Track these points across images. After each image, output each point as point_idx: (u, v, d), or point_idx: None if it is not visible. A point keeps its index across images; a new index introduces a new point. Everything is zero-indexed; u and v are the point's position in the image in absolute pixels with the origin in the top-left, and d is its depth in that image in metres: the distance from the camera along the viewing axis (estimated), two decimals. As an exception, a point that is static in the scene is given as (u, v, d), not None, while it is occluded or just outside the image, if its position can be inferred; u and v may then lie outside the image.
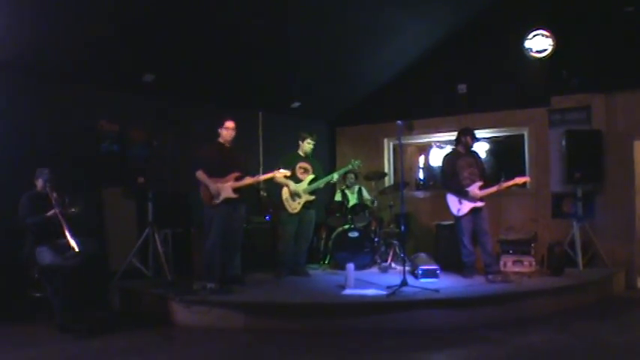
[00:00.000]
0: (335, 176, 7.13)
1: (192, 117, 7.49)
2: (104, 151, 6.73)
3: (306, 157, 7.12)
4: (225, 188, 6.11)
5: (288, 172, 6.55)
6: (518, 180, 6.59)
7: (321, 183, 7.05)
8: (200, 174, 6.16)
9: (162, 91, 7.18)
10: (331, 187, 8.86)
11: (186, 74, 7.11)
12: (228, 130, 6.29)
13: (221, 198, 6.09)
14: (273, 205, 7.23)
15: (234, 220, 6.21)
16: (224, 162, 6.22)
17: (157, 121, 7.08)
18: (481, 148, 9.11)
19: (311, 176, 7.06)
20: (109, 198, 6.86)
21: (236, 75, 7.49)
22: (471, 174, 6.76)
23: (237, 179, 6.19)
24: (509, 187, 6.65)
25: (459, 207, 6.74)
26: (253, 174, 6.46)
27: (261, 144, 8.65)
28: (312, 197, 7.04)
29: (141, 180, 6.57)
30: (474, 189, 6.66)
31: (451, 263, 7.08)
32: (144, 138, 6.73)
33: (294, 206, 6.94)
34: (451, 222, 7.22)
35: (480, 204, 6.65)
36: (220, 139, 6.32)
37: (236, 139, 6.37)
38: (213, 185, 6.09)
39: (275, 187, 7.05)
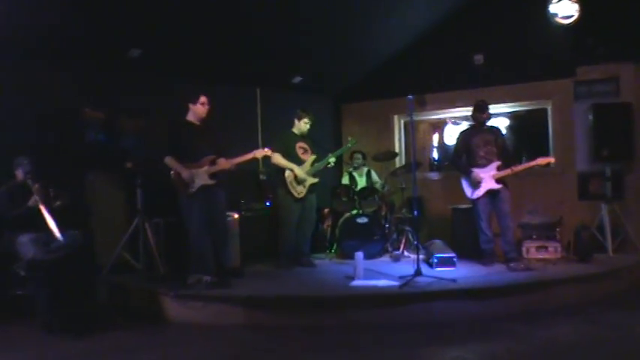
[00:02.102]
0: (332, 159, 7.11)
1: (183, 94, 7.42)
2: (90, 140, 6.65)
3: (303, 137, 7.10)
4: (200, 174, 5.95)
5: (268, 152, 6.43)
6: (541, 161, 6.49)
7: (320, 165, 7.06)
8: (169, 160, 5.96)
9: (151, 67, 7.12)
10: (336, 169, 8.83)
11: (176, 48, 7.02)
12: (204, 105, 6.09)
13: (196, 186, 5.92)
14: (274, 190, 7.18)
15: (215, 208, 6.06)
16: (196, 144, 6.01)
17: (145, 99, 7.02)
18: (500, 125, 9.03)
19: (313, 157, 7.05)
20: (94, 186, 6.83)
21: (232, 48, 7.41)
22: (487, 153, 6.71)
23: (212, 163, 6.01)
24: (529, 169, 6.58)
25: (473, 189, 6.71)
26: (230, 156, 6.15)
27: (260, 122, 8.62)
28: (316, 180, 7.03)
29: (129, 165, 6.53)
30: (481, 171, 6.64)
31: (469, 250, 7.07)
32: (132, 126, 6.69)
33: (300, 190, 6.91)
34: (468, 205, 7.18)
35: (496, 186, 6.59)
36: (190, 117, 6.11)
37: (214, 117, 6.22)
38: (186, 172, 5.89)
39: (275, 169, 7.00)
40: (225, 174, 6.15)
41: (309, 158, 7.03)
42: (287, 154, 6.90)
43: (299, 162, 6.94)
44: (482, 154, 6.72)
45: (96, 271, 6.35)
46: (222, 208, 6.22)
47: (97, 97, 6.72)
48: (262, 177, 8.10)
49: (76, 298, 5.25)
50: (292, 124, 7.14)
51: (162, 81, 7.30)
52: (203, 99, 6.10)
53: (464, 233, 7.37)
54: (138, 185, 6.64)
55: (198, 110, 6.08)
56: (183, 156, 5.97)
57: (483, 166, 6.67)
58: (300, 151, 7.01)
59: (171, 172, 5.98)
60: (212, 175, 6.00)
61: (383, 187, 8.27)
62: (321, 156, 7.12)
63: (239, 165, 6.14)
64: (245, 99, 8.43)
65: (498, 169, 6.61)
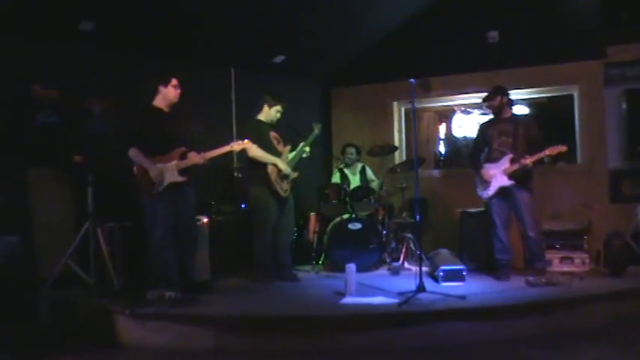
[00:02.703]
0: (307, 148, 7.21)
1: (144, 75, 7.38)
2: (38, 124, 6.60)
3: (272, 125, 7.15)
4: (170, 170, 5.92)
5: (248, 144, 6.46)
6: (550, 151, 6.45)
7: (296, 156, 7.16)
8: (134, 153, 5.91)
9: (106, 43, 7.08)
10: (323, 165, 8.81)
11: (134, 21, 6.98)
12: (176, 89, 6.08)
13: (165, 183, 5.90)
14: (248, 189, 7.15)
15: (183, 211, 6.05)
16: (165, 134, 5.99)
17: (98, 81, 6.98)
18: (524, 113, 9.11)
19: (288, 147, 7.17)
20: (36, 183, 6.76)
21: (201, 21, 7.36)
22: (500, 145, 6.76)
23: (182, 157, 6.00)
24: (538, 161, 6.58)
25: (483, 188, 6.79)
26: (200, 148, 6.14)
27: (234, 109, 8.59)
28: (296, 174, 7.17)
29: (78, 158, 6.48)
30: (492, 166, 6.70)
31: (481, 261, 7.11)
32: (92, 107, 6.67)
33: (286, 187, 7.02)
34: (480, 209, 7.18)
35: (506, 182, 6.64)
36: (158, 103, 6.09)
37: (181, 103, 6.20)
38: (154, 168, 5.87)
39: (249, 164, 6.99)
40: (194, 170, 6.13)
41: (285, 149, 7.12)
42: (263, 147, 6.88)
43: (277, 154, 7.00)
44: (495, 146, 6.78)
45: (37, 285, 6.31)
46: (192, 210, 6.22)
47: (49, 74, 6.71)
48: (237, 174, 8.07)
49: (13, 316, 5.19)
50: (261, 111, 7.15)
51: (123, 58, 7.29)
52: (175, 81, 6.10)
53: (475, 241, 7.40)
54: (89, 183, 6.56)
55: (169, 94, 6.07)
56: (149, 148, 5.94)
57: (496, 160, 6.72)
58: (275, 142, 7.07)
59: (134, 168, 5.94)
60: (182, 171, 6.00)
61: (380, 187, 8.30)
62: (293, 145, 7.24)
63: (212, 160, 6.13)
64: (217, 81, 8.41)
65: (512, 162, 6.64)
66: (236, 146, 6.28)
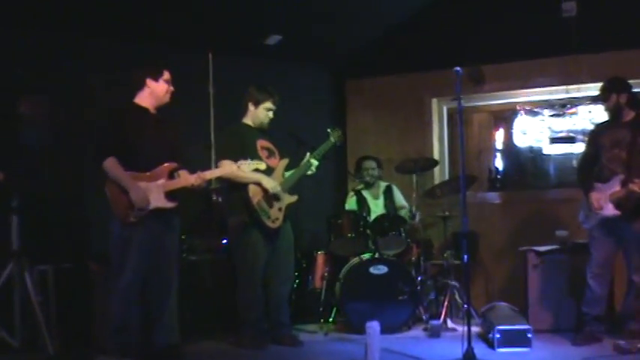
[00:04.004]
0: (313, 162, 7.14)
1: (94, 61, 7.51)
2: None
3: (263, 132, 7.16)
4: (155, 191, 5.96)
5: (261, 165, 6.47)
6: None
7: (297, 174, 7.10)
8: (111, 165, 5.90)
9: (38, 22, 7.18)
10: (335, 186, 8.84)
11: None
12: (168, 84, 6.18)
13: (148, 208, 5.93)
14: (229, 220, 7.16)
15: (166, 246, 6.12)
16: (151, 144, 6.04)
17: (27, 75, 7.04)
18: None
19: (284, 161, 7.12)
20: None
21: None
22: (610, 160, 6.70)
23: (171, 174, 6.07)
24: None
25: (586, 215, 6.78)
26: (196, 167, 6.18)
27: (212, 106, 8.71)
28: (295, 197, 7.10)
29: (-1, 176, 6.54)
30: (601, 188, 6.62)
31: (555, 318, 7.19)
32: (23, 109, 6.76)
33: (276, 215, 6.92)
34: (553, 246, 7.24)
35: (611, 213, 6.57)
36: (142, 101, 6.17)
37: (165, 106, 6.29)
38: (136, 187, 5.87)
39: (229, 187, 7.05)
40: (186, 193, 6.21)
41: (280, 164, 7.09)
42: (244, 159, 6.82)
43: (265, 170, 6.83)
44: (604, 161, 6.72)
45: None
46: (175, 250, 6.31)
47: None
48: (215, 197, 8.08)
49: None
50: (245, 113, 7.15)
51: (59, 40, 7.41)
52: (168, 74, 6.19)
53: (547, 291, 7.48)
54: (12, 209, 6.62)
55: (159, 91, 6.17)
56: (129, 160, 5.96)
57: (606, 180, 6.68)
58: (263, 154, 6.99)
59: (106, 185, 5.93)
60: (170, 195, 6.03)
61: (413, 216, 8.31)
62: (295, 159, 7.20)
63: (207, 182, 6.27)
64: (189, 69, 8.38)
65: (623, 185, 6.57)
66: (244, 167, 6.30)
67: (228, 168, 6.37)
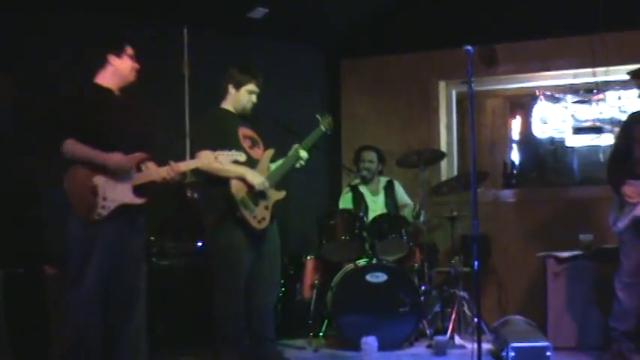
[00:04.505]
0: (302, 153, 7.10)
1: (47, 37, 7.53)
2: None
3: (245, 118, 7.13)
4: (119, 185, 5.89)
5: (241, 157, 6.44)
6: None
7: (284, 166, 7.06)
8: (71, 145, 5.75)
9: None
10: (327, 181, 8.85)
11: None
12: (133, 60, 6.09)
13: (113, 206, 5.87)
14: (208, 219, 7.15)
15: (133, 249, 6.06)
16: (116, 130, 5.92)
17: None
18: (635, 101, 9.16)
19: (270, 152, 7.05)
20: None
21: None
22: None
23: (140, 165, 5.98)
24: None
25: (616, 214, 6.76)
26: (169, 158, 6.02)
27: (187, 89, 8.70)
28: (282, 194, 7.05)
29: None
30: (637, 184, 6.63)
31: (578, 334, 7.21)
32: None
33: (262, 215, 6.86)
34: (576, 252, 7.26)
35: None
36: (104, 81, 6.06)
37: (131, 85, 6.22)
38: (110, 156, 5.77)
39: (210, 179, 7.02)
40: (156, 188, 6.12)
41: (265, 155, 7.04)
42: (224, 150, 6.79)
43: (248, 161, 6.73)
44: (637, 153, 6.70)
45: None
46: (140, 255, 6.25)
47: None
48: (190, 193, 8.09)
49: None
50: (225, 97, 7.08)
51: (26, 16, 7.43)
52: (131, 50, 6.10)
53: (568, 303, 7.50)
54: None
55: (124, 68, 6.07)
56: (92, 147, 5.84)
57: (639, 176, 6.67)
58: (246, 143, 6.96)
59: (65, 177, 5.76)
60: (139, 189, 5.97)
61: (416, 216, 8.34)
62: (282, 149, 7.12)
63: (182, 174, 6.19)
64: (161, 47, 8.44)
65: None
66: (222, 158, 6.14)
67: (205, 159, 6.25)
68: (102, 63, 6.04)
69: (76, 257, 5.89)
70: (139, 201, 5.91)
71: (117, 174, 5.75)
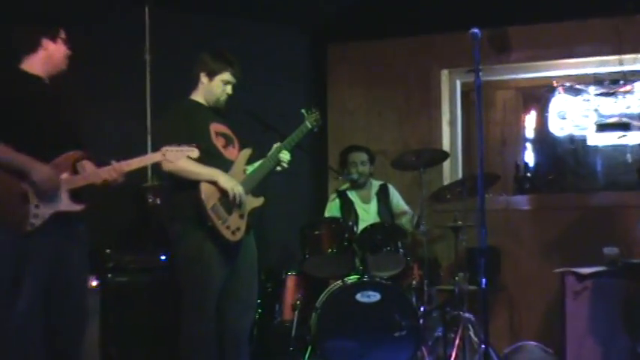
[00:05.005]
0: (284, 155, 7.06)
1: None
2: None
3: (218, 112, 7.11)
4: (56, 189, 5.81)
5: (193, 152, 6.36)
6: None
7: (263, 168, 7.02)
8: None
9: None
10: (312, 186, 8.84)
11: None
12: (66, 45, 6.05)
13: (47, 214, 5.77)
14: (173, 228, 7.12)
15: (74, 264, 5.99)
16: (48, 124, 5.87)
17: None
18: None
19: (247, 151, 7.02)
20: None
21: None
22: None
23: (75, 166, 5.90)
24: None
25: None
26: (108, 155, 5.94)
27: (148, 78, 8.67)
28: (260, 201, 7.04)
29: None
30: None
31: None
32: None
33: (236, 224, 6.83)
34: (599, 267, 7.26)
35: None
36: (33, 68, 5.99)
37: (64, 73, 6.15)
38: (36, 166, 5.66)
39: (176, 183, 6.99)
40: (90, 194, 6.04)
41: (240, 155, 7.02)
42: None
43: (221, 163, 6.85)
44: None
45: None
46: (82, 267, 6.17)
47: None
48: (152, 199, 8.08)
49: None
50: (196, 87, 7.05)
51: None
52: (64, 33, 6.03)
53: (590, 326, 7.47)
54: None
55: (57, 54, 6.03)
56: (14, 147, 5.69)
57: None
58: (219, 142, 6.97)
59: None
60: (75, 195, 5.90)
61: (415, 226, 8.35)
62: (260, 149, 7.09)
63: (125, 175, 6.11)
64: (118, 28, 8.42)
65: None
66: (170, 155, 6.08)
67: (151, 157, 6.23)
68: (34, 47, 5.97)
69: (5, 277, 5.75)
70: (77, 207, 5.85)
71: (42, 189, 5.65)
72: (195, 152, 6.15)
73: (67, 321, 6.01)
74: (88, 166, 5.89)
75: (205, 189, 6.67)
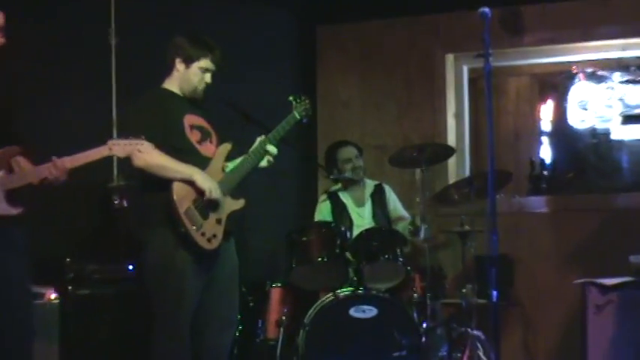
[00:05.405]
0: (270, 147, 7.01)
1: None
2: None
3: (194, 103, 7.08)
4: None
5: (145, 147, 6.30)
6: None
7: (245, 165, 6.97)
8: None
9: None
10: (300, 187, 8.81)
11: None
12: (2, 31, 6.00)
13: None
14: (143, 234, 7.08)
15: (13, 275, 5.94)
16: None
17: None
18: None
19: (227, 146, 6.97)
20: None
21: None
22: None
23: (11, 165, 5.88)
24: None
25: None
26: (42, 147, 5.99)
27: (114, 64, 8.61)
28: (240, 204, 6.99)
29: None
30: None
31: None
32: None
33: (213, 230, 6.79)
34: (625, 278, 7.23)
35: None
36: None
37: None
38: None
39: (146, 182, 6.95)
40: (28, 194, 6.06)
41: (219, 151, 6.98)
42: (169, 145, 6.81)
43: (198, 160, 6.81)
44: None
45: None
46: (23, 280, 6.12)
47: None
48: (118, 200, 8.05)
49: None
50: (170, 74, 7.02)
51: None
52: (2, 17, 6.00)
53: (615, 343, 7.44)
54: None
55: None
56: None
57: None
58: (193, 136, 6.92)
59: None
60: (12, 196, 5.92)
61: (415, 231, 8.28)
62: (242, 144, 7.06)
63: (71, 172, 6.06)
64: (80, 8, 8.37)
65: None
66: (118, 149, 6.07)
67: (98, 151, 5.98)
68: None
69: None
70: (13, 211, 5.79)
71: None
72: (145, 145, 6.06)
73: (8, 341, 5.96)
74: (24, 163, 5.86)
75: (178, 189, 6.60)
